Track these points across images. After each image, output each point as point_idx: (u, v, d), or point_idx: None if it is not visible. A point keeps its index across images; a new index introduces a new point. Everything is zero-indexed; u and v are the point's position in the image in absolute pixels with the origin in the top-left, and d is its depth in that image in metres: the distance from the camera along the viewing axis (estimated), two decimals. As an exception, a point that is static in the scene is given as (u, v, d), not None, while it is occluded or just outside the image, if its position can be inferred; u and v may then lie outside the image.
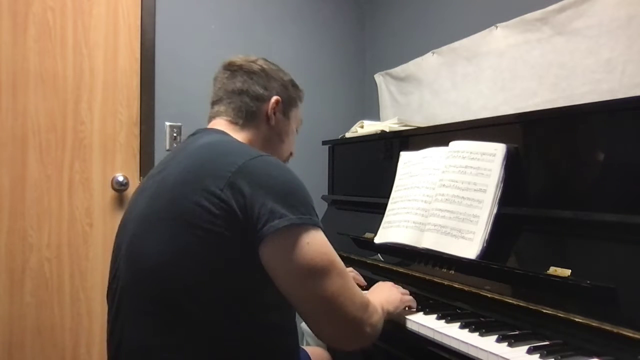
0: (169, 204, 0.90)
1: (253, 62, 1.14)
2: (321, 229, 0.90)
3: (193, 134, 1.09)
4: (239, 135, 1.08)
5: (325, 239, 0.90)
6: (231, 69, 1.13)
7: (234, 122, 1.10)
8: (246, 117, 1.10)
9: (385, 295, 1.13)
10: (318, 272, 0.86)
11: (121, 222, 1.05)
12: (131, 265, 0.93)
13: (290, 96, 1.18)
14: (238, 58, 1.14)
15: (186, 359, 0.86)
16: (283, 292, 0.88)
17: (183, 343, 0.86)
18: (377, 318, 0.96)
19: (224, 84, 1.12)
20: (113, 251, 1.03)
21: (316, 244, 0.87)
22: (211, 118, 1.13)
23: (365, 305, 0.93)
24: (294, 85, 1.20)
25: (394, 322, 1.18)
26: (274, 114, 1.12)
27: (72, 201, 2.04)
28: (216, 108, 1.12)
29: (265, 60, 1.17)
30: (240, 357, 0.90)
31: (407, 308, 1.19)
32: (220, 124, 1.10)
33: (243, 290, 0.88)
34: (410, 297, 1.21)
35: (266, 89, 1.12)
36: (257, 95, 1.11)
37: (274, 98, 1.12)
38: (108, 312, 1.00)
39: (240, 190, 0.85)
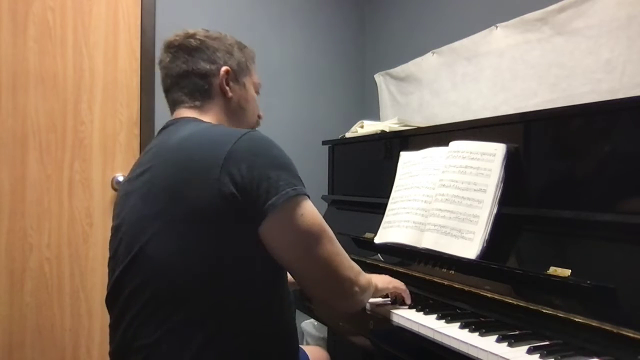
0: (168, 204, 0.90)
1: (191, 37, 1.08)
2: (307, 195, 0.94)
3: (164, 127, 1.06)
4: (204, 118, 1.06)
5: (314, 207, 0.95)
6: (171, 50, 1.08)
7: (193, 107, 1.07)
8: (202, 97, 1.07)
9: (376, 275, 1.20)
10: (312, 239, 0.93)
11: (112, 229, 1.03)
12: (136, 268, 0.92)
13: (239, 61, 1.13)
14: (176, 37, 1.09)
15: (192, 355, 0.87)
16: (279, 259, 0.93)
17: (190, 340, 0.87)
18: (365, 282, 1.04)
19: (168, 68, 1.09)
20: (110, 258, 1.02)
21: (309, 213, 0.93)
22: (172, 109, 1.11)
23: (356, 269, 1.01)
24: (240, 47, 1.15)
25: (394, 322, 1.18)
26: (227, 85, 1.09)
27: (72, 201, 2.04)
28: (171, 97, 1.10)
29: (205, 30, 1.12)
30: (244, 353, 0.91)
31: (398, 301, 1.24)
32: (183, 112, 1.07)
33: (250, 284, 0.91)
34: (404, 288, 1.25)
35: (211, 62, 1.08)
36: (204, 72, 1.07)
37: (223, 69, 1.08)
38: (110, 316, 0.99)
39: (236, 173, 0.87)
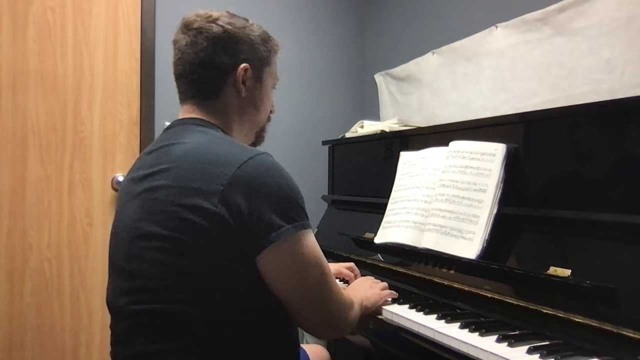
0: (164, 222, 0.87)
1: (214, 21, 1.00)
2: (310, 228, 0.92)
3: (170, 127, 1.03)
4: (213, 119, 1.01)
5: (315, 241, 0.94)
6: (189, 33, 1.00)
7: (202, 105, 1.02)
8: (213, 93, 1.01)
9: (367, 293, 1.20)
10: (310, 277, 0.92)
11: (113, 228, 1.00)
12: (129, 284, 0.91)
13: (262, 57, 1.05)
14: (197, 17, 1.01)
15: None
16: (274, 290, 0.91)
17: (185, 348, 0.86)
18: (353, 316, 1.03)
19: (184, 52, 1.00)
20: (109, 264, 1.00)
21: (309, 251, 0.91)
22: (181, 99, 1.05)
23: (346, 304, 1.00)
24: (265, 39, 1.06)
25: (394, 322, 1.18)
26: (243, 83, 1.02)
27: (72, 201, 2.04)
28: (182, 85, 1.04)
29: (230, 14, 1.03)
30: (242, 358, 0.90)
31: (389, 299, 1.27)
32: (190, 111, 1.03)
33: (243, 297, 0.89)
34: (390, 292, 1.27)
35: (232, 55, 1.00)
36: (223, 67, 1.00)
37: (241, 66, 1.01)
38: (111, 319, 0.98)
39: (236, 203, 0.84)
